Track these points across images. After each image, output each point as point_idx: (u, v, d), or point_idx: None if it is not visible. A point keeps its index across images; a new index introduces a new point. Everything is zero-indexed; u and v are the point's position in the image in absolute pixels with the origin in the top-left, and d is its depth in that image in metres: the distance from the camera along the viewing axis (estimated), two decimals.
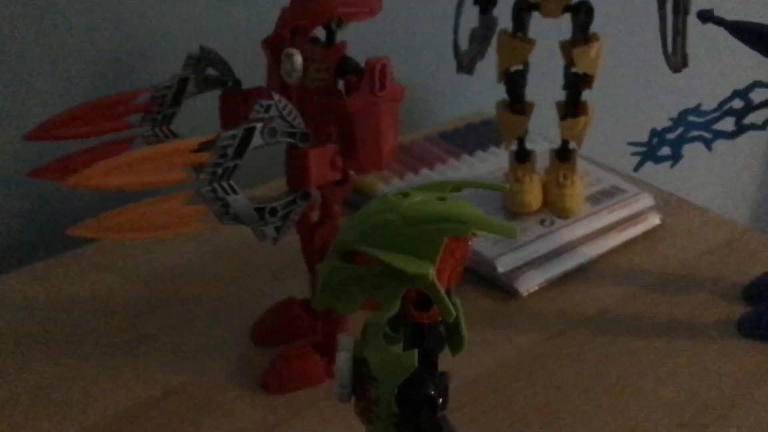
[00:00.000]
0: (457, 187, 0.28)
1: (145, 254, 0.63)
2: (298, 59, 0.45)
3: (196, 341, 0.55)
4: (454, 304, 0.27)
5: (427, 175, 0.69)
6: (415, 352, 0.28)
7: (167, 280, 0.61)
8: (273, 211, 0.43)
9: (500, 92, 0.64)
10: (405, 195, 0.26)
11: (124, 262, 0.62)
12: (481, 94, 0.74)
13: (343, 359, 0.29)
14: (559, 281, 0.62)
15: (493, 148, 0.74)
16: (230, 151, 0.40)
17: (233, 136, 0.40)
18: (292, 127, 0.42)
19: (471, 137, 0.75)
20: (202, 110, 0.50)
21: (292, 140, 0.42)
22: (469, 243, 0.27)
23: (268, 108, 0.41)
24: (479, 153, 0.74)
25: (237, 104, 0.49)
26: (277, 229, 0.43)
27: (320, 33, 0.48)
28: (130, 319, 0.57)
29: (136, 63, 0.67)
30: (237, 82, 0.48)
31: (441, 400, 0.30)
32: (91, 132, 0.44)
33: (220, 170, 0.40)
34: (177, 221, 0.40)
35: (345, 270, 0.26)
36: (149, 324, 0.56)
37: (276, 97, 0.41)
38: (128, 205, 0.38)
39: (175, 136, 0.47)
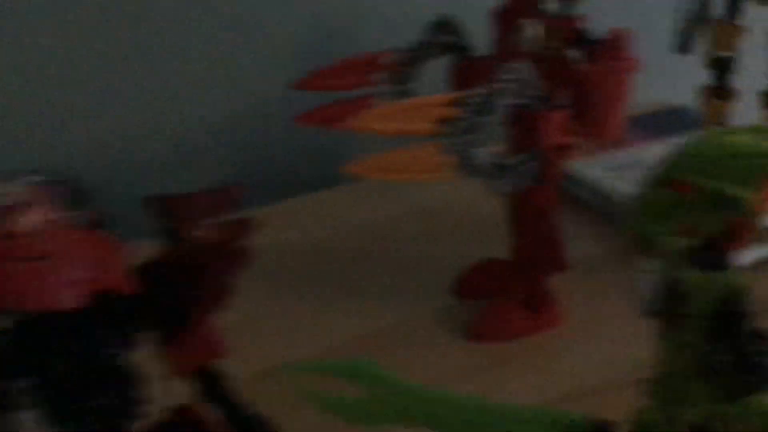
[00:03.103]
0: None
1: (351, 209, 0.69)
2: (535, 28, 0.48)
3: (402, 288, 0.60)
4: None
5: (618, 155, 0.70)
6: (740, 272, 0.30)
7: (374, 232, 0.66)
8: (508, 168, 0.46)
9: (681, 83, 0.65)
10: (730, 132, 0.28)
11: (339, 214, 0.68)
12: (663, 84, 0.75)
13: (653, 278, 0.30)
14: None
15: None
16: (476, 108, 0.44)
17: (480, 95, 0.44)
18: (532, 89, 0.45)
19: (660, 123, 0.76)
20: (431, 73, 0.55)
21: (532, 102, 0.46)
22: None
23: (513, 71, 0.45)
24: (671, 139, 0.74)
25: (467, 70, 0.53)
26: (511, 185, 0.47)
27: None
28: (347, 261, 0.62)
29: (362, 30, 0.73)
30: (468, 50, 0.52)
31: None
32: (343, 85, 0.49)
33: (467, 124, 0.44)
34: (429, 168, 0.44)
35: (665, 196, 0.29)
36: (361, 268, 0.61)
37: (524, 61, 0.45)
38: (393, 150, 0.43)
39: (413, 95, 0.51)
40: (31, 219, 0.24)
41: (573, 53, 0.48)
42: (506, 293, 0.56)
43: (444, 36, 0.51)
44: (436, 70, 0.54)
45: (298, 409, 0.39)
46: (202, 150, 0.69)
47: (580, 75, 0.47)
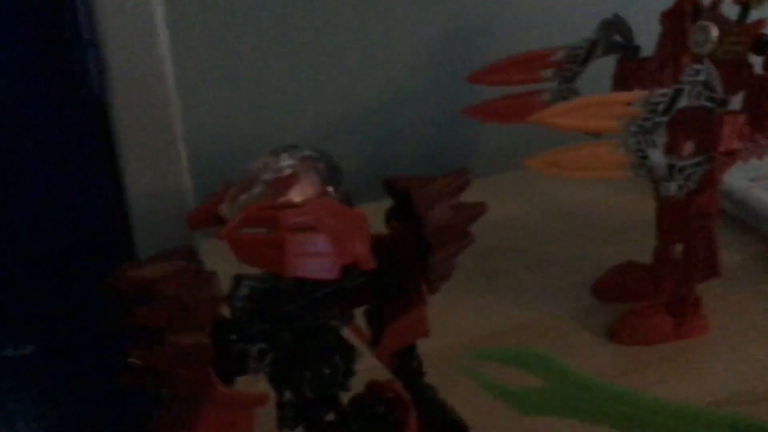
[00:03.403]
0: None
1: (501, 203, 0.70)
2: (714, 31, 0.48)
3: (542, 284, 0.60)
4: None
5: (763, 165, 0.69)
6: None
7: (511, 228, 0.66)
8: (681, 170, 0.46)
9: None
10: None
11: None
12: None
13: None
14: None
15: None
16: (660, 108, 0.44)
17: (664, 95, 0.44)
18: (714, 92, 0.45)
19: None
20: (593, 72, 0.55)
21: (712, 105, 0.45)
22: None
23: (697, 73, 0.44)
24: None
25: (631, 70, 0.53)
26: (680, 186, 0.47)
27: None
28: (484, 256, 0.62)
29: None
30: (636, 49, 0.52)
31: None
32: (514, 80, 0.49)
33: (648, 124, 0.44)
34: (603, 166, 0.44)
35: None
36: (499, 263, 0.62)
37: (706, 63, 0.44)
38: (570, 146, 0.43)
39: (577, 93, 0.51)
40: (300, 192, 0.26)
41: (751, 58, 0.47)
42: (651, 297, 0.56)
43: (614, 35, 0.51)
44: (593, 68, 0.55)
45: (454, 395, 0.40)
46: (337, 141, 0.70)
47: (759, 80, 0.46)
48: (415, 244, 0.29)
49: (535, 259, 0.63)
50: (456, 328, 0.58)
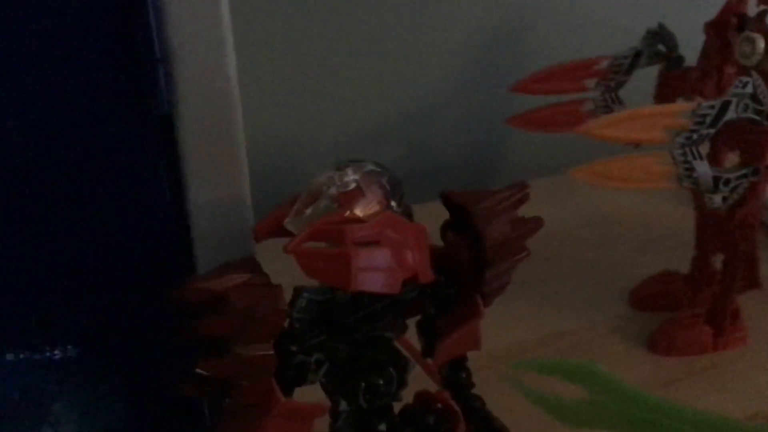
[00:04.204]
0: None
1: (537, 210, 0.70)
2: (761, 43, 0.48)
3: (579, 293, 0.60)
4: None
5: None
6: None
7: (549, 235, 0.66)
8: (726, 182, 0.46)
9: None
10: None
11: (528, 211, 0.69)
12: None
13: None
14: None
15: None
16: (707, 120, 0.44)
17: (712, 107, 0.44)
18: (761, 105, 0.45)
19: None
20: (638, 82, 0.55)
21: (759, 117, 0.45)
22: None
23: (745, 85, 0.44)
24: None
25: (674, 80, 0.53)
26: (724, 199, 0.46)
27: None
28: (528, 261, 0.63)
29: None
30: (680, 60, 0.52)
31: None
32: (557, 89, 0.49)
33: (695, 136, 0.44)
34: (648, 177, 0.44)
35: None
36: (539, 270, 0.62)
37: (754, 76, 0.44)
38: (615, 157, 0.43)
39: (621, 103, 0.51)
40: (365, 206, 0.26)
41: None
42: (688, 307, 0.56)
43: (658, 45, 0.51)
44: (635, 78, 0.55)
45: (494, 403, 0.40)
46: (376, 146, 0.71)
47: None
48: (471, 258, 0.30)
49: (572, 267, 0.63)
50: (492, 336, 0.57)
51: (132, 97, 0.26)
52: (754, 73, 0.44)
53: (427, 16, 0.71)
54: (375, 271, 0.26)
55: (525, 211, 0.69)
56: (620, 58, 0.50)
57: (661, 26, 0.51)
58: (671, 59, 0.52)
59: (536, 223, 0.30)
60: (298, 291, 0.29)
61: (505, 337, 0.56)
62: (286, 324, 0.29)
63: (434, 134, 0.72)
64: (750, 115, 0.45)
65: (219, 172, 0.29)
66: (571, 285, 0.61)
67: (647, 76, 0.54)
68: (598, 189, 0.68)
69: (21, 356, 0.34)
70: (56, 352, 0.35)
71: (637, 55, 0.51)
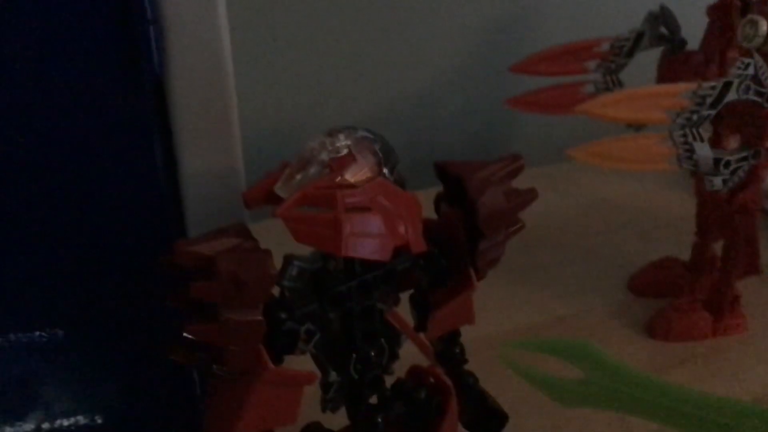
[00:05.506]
0: None
1: (540, 196, 0.69)
2: (764, 25, 0.47)
3: (580, 278, 0.60)
4: None
5: None
6: None
7: (552, 221, 0.66)
8: (726, 164, 0.46)
9: None
10: None
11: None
12: None
13: None
14: None
15: None
16: (708, 101, 0.44)
17: (713, 87, 0.44)
18: (762, 87, 0.45)
19: None
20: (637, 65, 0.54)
21: (760, 99, 0.45)
22: None
23: (747, 66, 0.44)
24: None
25: (676, 63, 0.52)
26: (725, 181, 0.46)
27: None
28: (525, 247, 0.62)
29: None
30: (682, 42, 0.52)
31: None
32: (558, 71, 0.49)
33: (695, 117, 0.44)
34: (648, 158, 0.44)
35: None
36: (540, 255, 0.62)
37: (756, 57, 0.44)
38: (614, 137, 0.43)
39: (621, 85, 0.51)
40: (356, 172, 0.26)
41: None
42: (688, 293, 0.55)
43: (660, 27, 0.50)
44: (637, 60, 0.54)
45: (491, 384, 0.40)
46: (380, 130, 0.70)
47: None
48: (465, 229, 0.29)
49: (573, 252, 0.63)
50: (492, 319, 0.58)
51: (123, 59, 0.26)
52: (756, 54, 0.44)
53: (429, 2, 0.71)
54: (365, 237, 0.26)
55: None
56: (621, 40, 0.50)
57: (663, 8, 0.50)
58: (673, 42, 0.51)
59: (530, 194, 0.30)
60: (288, 259, 0.28)
61: (504, 321, 0.56)
62: (277, 292, 0.29)
63: (436, 122, 0.72)
64: (751, 96, 0.45)
65: (211, 139, 0.29)
66: (572, 271, 0.61)
67: (650, 60, 0.54)
68: (601, 176, 0.68)
69: (10, 339, 0.34)
70: (43, 333, 0.35)
71: (639, 37, 0.50)
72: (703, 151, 0.45)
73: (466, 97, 0.73)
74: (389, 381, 0.34)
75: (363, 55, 0.68)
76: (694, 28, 0.52)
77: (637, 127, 0.47)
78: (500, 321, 0.56)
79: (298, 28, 0.67)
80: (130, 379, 0.36)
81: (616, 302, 0.58)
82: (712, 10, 0.51)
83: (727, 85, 0.44)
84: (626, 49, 0.50)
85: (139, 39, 0.25)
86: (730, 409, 0.37)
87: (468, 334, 0.50)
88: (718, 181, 0.47)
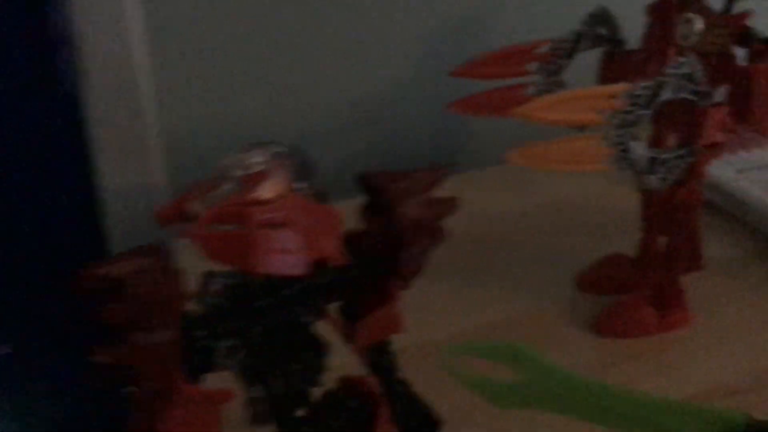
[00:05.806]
0: None
1: (477, 197, 0.68)
2: (699, 24, 0.48)
3: (528, 278, 0.60)
4: None
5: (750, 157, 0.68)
6: None
7: (501, 222, 0.66)
8: (663, 162, 0.46)
9: None
10: None
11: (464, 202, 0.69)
12: None
13: None
14: None
15: None
16: (641, 101, 0.44)
17: (646, 88, 0.44)
18: (697, 85, 0.45)
19: None
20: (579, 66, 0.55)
21: (695, 97, 0.45)
22: None
23: (680, 65, 0.44)
24: None
25: (617, 63, 0.52)
26: (662, 179, 0.46)
27: None
28: (473, 249, 0.62)
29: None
30: (621, 42, 0.52)
31: None
32: (498, 74, 0.49)
33: (630, 117, 0.44)
34: (583, 159, 0.44)
35: None
36: (489, 255, 0.62)
37: (690, 56, 0.44)
38: (553, 140, 0.43)
39: (562, 87, 0.51)
40: (270, 188, 0.25)
41: (735, 50, 0.47)
42: (634, 289, 0.56)
43: (599, 28, 0.50)
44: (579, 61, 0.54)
45: (437, 389, 0.40)
46: (325, 138, 0.70)
47: (743, 73, 0.46)
48: (387, 239, 0.29)
49: (521, 252, 0.63)
50: (441, 322, 0.58)
51: (39, 80, 0.25)
52: (689, 52, 0.44)
53: (387, 3, 0.70)
54: (280, 253, 0.26)
55: (483, 198, 0.69)
56: (561, 41, 0.50)
57: (601, 9, 0.51)
58: (613, 42, 0.52)
59: (451, 203, 0.30)
60: (208, 276, 0.28)
61: (452, 325, 0.56)
62: (199, 310, 0.29)
63: (390, 124, 0.71)
64: (686, 95, 0.45)
65: (130, 156, 0.29)
66: (522, 270, 0.61)
67: (592, 60, 0.54)
68: (553, 176, 0.68)
69: None
70: None
71: (578, 38, 0.50)
72: (639, 151, 0.46)
73: (416, 101, 0.73)
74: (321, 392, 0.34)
75: (302, 61, 0.67)
76: (635, 27, 0.53)
77: (579, 128, 0.47)
78: (448, 324, 0.55)
79: (229, 32, 0.65)
80: (71, 398, 0.36)
81: (565, 300, 0.58)
82: (651, 9, 0.51)
83: (661, 85, 0.44)
84: (566, 50, 0.50)
85: (52, 59, 0.25)
86: (662, 407, 0.38)
87: (415, 339, 0.50)
88: (653, 180, 0.47)
